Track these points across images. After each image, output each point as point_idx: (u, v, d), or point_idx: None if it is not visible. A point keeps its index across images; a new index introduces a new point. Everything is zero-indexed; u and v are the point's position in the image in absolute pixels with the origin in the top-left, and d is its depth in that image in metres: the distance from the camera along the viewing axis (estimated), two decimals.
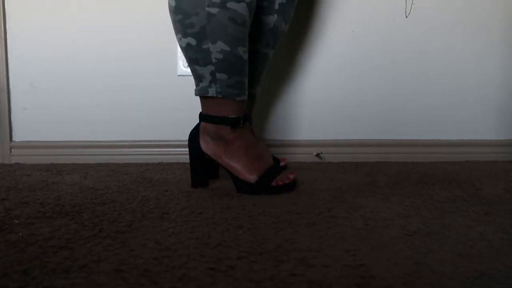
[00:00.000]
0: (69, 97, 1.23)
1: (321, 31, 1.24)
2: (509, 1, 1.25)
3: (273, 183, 0.78)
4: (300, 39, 1.24)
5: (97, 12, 1.21)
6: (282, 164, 0.95)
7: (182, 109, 1.23)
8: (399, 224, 0.58)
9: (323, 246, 0.49)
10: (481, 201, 0.72)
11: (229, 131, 0.80)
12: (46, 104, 1.23)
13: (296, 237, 0.53)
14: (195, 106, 1.24)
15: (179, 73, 1.23)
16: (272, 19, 0.92)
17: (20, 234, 0.53)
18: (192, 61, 0.80)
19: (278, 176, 0.80)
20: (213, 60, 0.77)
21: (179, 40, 0.80)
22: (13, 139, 1.24)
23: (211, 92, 0.79)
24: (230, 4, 0.74)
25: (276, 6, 0.91)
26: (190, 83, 1.23)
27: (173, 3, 0.78)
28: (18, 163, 1.22)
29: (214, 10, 0.74)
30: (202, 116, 0.83)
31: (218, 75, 0.78)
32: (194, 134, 0.84)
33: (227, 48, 0.77)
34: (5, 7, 1.19)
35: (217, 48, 0.76)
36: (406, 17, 1.24)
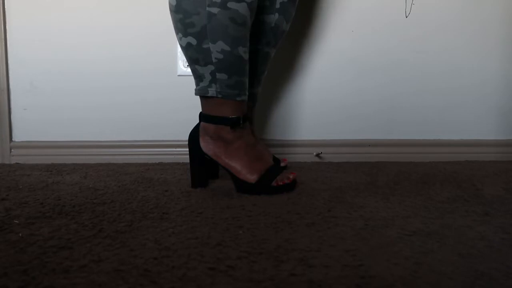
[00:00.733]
0: (69, 97, 1.23)
1: (321, 31, 1.24)
2: (509, 1, 1.25)
3: (273, 183, 0.78)
4: (300, 39, 1.24)
5: (97, 12, 1.21)
6: (282, 164, 0.95)
7: (182, 109, 1.23)
8: (399, 224, 0.58)
9: (323, 246, 0.49)
10: (481, 201, 0.72)
11: (229, 131, 0.80)
12: (46, 104, 1.23)
13: (296, 237, 0.53)
14: (195, 106, 1.24)
15: (179, 73, 1.23)
16: (273, 18, 0.92)
17: (20, 234, 0.53)
18: (192, 61, 0.80)
19: (278, 176, 0.80)
20: (213, 60, 0.77)
21: (180, 39, 0.80)
22: (13, 139, 1.24)
23: (211, 92, 0.79)
24: (231, 4, 0.74)
25: (277, 5, 0.91)
26: (190, 83, 1.24)
27: (174, 2, 0.78)
28: (18, 163, 1.22)
29: (215, 10, 0.74)
30: (202, 116, 0.83)
31: (218, 75, 0.78)
32: (194, 135, 0.84)
33: (227, 48, 0.76)
34: (5, 7, 1.19)
35: (217, 48, 0.76)
36: (406, 17, 1.24)
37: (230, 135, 0.80)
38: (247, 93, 0.83)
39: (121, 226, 0.57)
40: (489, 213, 0.64)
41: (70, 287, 0.38)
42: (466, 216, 0.63)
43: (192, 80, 1.27)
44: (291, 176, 0.81)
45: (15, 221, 0.59)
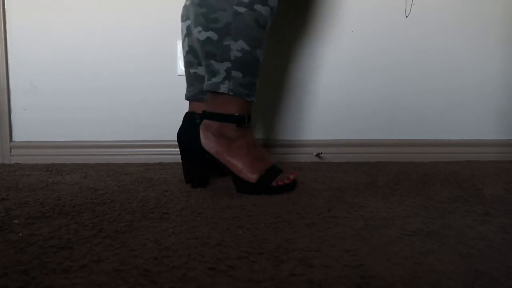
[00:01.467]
0: (69, 97, 1.23)
1: (321, 32, 1.24)
2: (509, 1, 1.25)
3: (274, 183, 0.78)
4: (299, 39, 1.24)
5: (97, 12, 1.21)
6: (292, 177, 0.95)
7: (182, 109, 1.23)
8: (399, 224, 0.58)
9: (323, 246, 0.49)
10: (481, 201, 0.72)
11: (233, 129, 0.80)
12: (46, 104, 1.23)
13: (296, 237, 0.53)
14: None
15: (179, 73, 1.23)
16: None
17: (20, 234, 0.53)
18: (208, 55, 0.79)
19: (279, 176, 0.80)
20: (232, 58, 0.78)
21: (198, 32, 0.79)
22: (13, 139, 1.24)
23: (223, 88, 0.79)
24: (257, 6, 0.76)
25: None
26: None
27: None
28: (18, 163, 1.22)
29: (241, 9, 0.76)
30: (206, 114, 0.82)
31: (233, 73, 0.78)
32: (194, 136, 0.83)
33: (247, 47, 0.77)
34: (5, 7, 1.19)
35: (237, 47, 0.77)
36: (406, 17, 1.24)
37: (233, 133, 0.80)
38: (255, 95, 0.83)
39: (121, 226, 0.57)
40: (490, 213, 0.64)
41: (70, 287, 0.38)
42: (466, 216, 0.63)
43: None
44: (291, 176, 0.81)
45: (15, 221, 0.59)
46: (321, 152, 1.24)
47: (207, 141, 0.81)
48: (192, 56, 0.93)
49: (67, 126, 1.24)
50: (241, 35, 0.77)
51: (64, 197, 0.74)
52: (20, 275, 0.41)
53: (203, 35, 0.78)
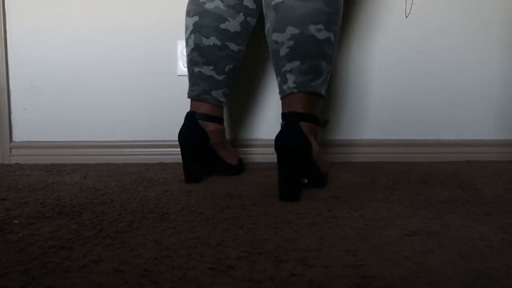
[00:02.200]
0: (69, 97, 1.23)
1: None
2: (509, 1, 1.25)
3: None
4: None
5: (97, 12, 1.21)
6: None
7: (182, 109, 1.23)
8: (399, 224, 0.58)
9: (323, 246, 0.49)
10: (481, 201, 0.72)
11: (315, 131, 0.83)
12: (46, 104, 1.23)
13: (296, 237, 0.53)
14: None
15: (179, 73, 1.23)
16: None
17: (20, 234, 0.53)
18: (322, 56, 0.77)
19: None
20: (332, 62, 0.82)
21: (317, 31, 0.76)
22: (13, 139, 1.24)
23: (323, 91, 0.80)
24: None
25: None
26: None
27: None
28: (18, 163, 1.22)
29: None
30: (311, 116, 0.78)
31: (328, 77, 0.81)
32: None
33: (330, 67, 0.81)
34: (5, 7, 1.19)
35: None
36: (406, 17, 1.24)
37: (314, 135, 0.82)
38: None
39: (121, 226, 0.57)
40: (489, 213, 0.64)
41: (70, 287, 0.38)
42: (466, 216, 0.63)
43: None
44: None
45: (15, 221, 0.59)
46: None
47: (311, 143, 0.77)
48: (197, 54, 0.92)
49: (67, 126, 1.24)
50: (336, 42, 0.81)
51: (64, 197, 0.74)
52: (20, 275, 0.41)
53: (323, 35, 0.76)
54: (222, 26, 0.91)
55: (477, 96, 1.28)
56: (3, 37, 1.20)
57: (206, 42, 0.91)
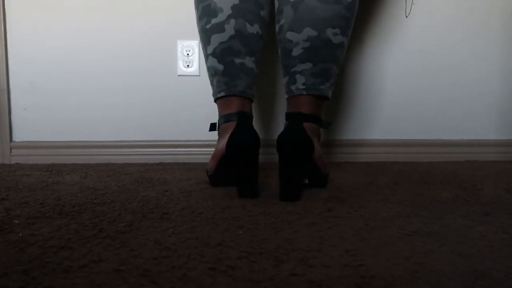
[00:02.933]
0: (69, 97, 1.23)
1: None
2: (509, 1, 1.25)
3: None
4: None
5: (97, 12, 1.21)
6: None
7: (182, 109, 1.23)
8: (399, 224, 0.58)
9: (323, 246, 0.49)
10: (481, 201, 0.72)
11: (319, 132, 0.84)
12: (46, 104, 1.23)
13: (296, 237, 0.53)
14: (195, 106, 1.24)
15: (179, 73, 1.23)
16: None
17: (20, 234, 0.53)
18: (333, 59, 0.78)
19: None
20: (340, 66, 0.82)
21: (334, 34, 0.75)
22: (13, 139, 1.24)
23: (330, 94, 0.81)
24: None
25: None
26: (190, 83, 1.24)
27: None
28: (18, 163, 1.22)
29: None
30: (314, 117, 0.77)
31: (335, 81, 0.82)
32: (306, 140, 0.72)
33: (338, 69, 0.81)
34: (5, 7, 1.19)
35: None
36: (406, 17, 1.24)
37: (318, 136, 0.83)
38: None
39: (121, 226, 0.57)
40: (489, 213, 0.64)
41: (70, 287, 0.38)
42: (466, 216, 0.63)
43: (191, 80, 1.27)
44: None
45: (15, 221, 0.59)
46: None
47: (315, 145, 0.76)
48: (239, 43, 0.79)
49: (67, 126, 1.24)
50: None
51: (64, 197, 0.74)
52: (20, 275, 0.41)
53: (338, 39, 0.75)
54: (262, 13, 0.82)
55: (477, 96, 1.28)
56: (3, 37, 1.20)
57: (250, 29, 0.79)
